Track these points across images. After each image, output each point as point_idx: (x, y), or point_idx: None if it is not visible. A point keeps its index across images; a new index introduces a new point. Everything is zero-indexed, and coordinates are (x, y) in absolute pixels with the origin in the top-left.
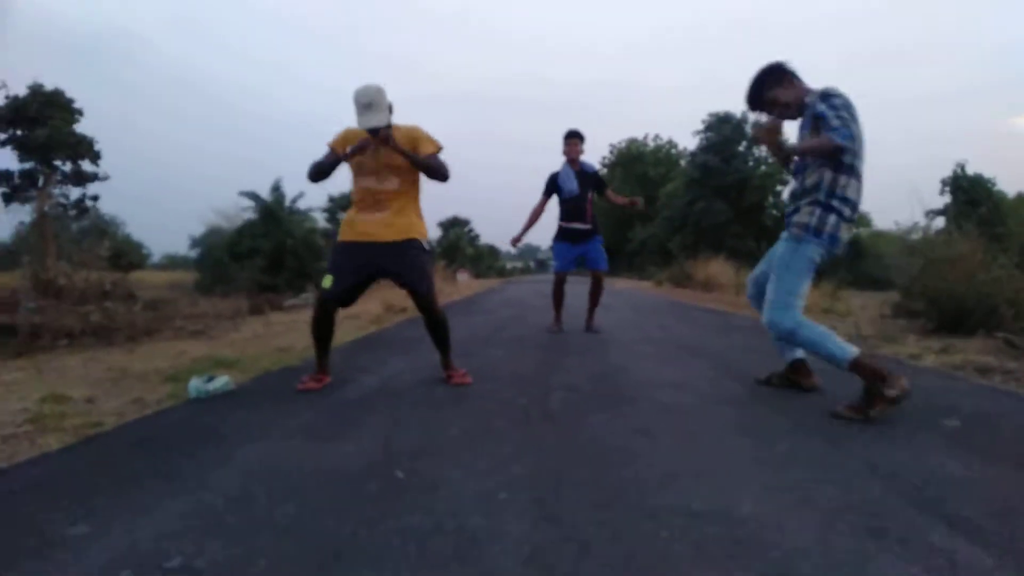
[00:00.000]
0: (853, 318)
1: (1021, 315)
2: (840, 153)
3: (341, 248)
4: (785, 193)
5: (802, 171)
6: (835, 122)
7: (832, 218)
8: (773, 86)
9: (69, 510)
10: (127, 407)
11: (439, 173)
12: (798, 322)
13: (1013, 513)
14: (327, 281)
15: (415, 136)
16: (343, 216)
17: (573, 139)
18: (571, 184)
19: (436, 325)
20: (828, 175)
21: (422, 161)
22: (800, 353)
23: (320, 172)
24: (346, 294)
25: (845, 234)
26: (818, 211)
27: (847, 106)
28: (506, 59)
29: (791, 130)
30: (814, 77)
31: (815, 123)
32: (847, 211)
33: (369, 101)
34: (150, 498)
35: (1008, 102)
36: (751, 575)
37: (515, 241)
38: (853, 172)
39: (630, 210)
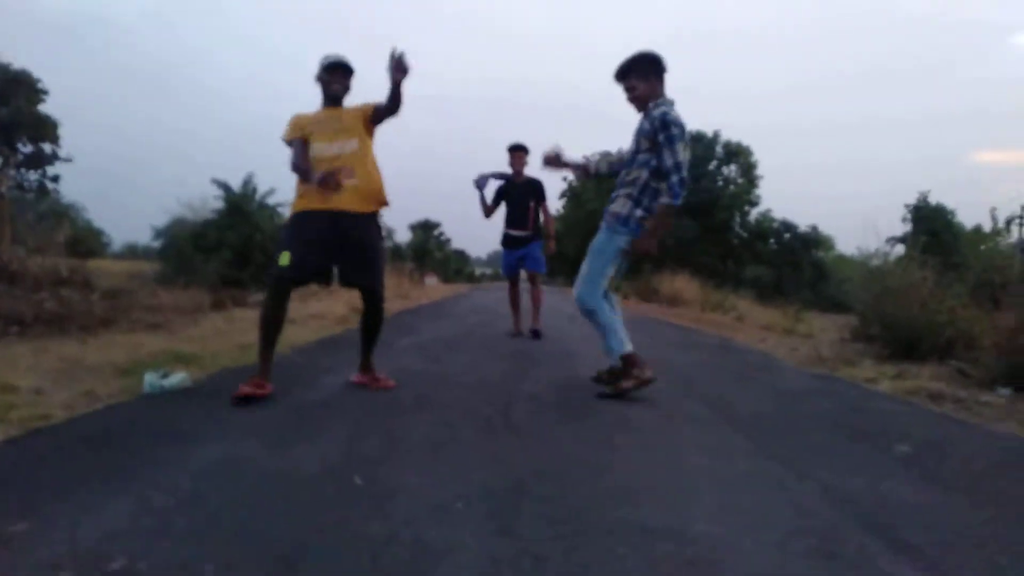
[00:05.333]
0: (814, 340)
1: (972, 344)
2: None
3: (299, 218)
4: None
5: (628, 165)
6: (670, 160)
7: (639, 211)
8: (638, 75)
9: (10, 506)
10: (77, 400)
11: (397, 104)
12: (600, 304)
13: (958, 540)
14: (284, 258)
15: (365, 107)
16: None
17: (518, 151)
18: (514, 192)
19: (379, 322)
20: (645, 175)
21: (385, 106)
22: (628, 348)
23: (302, 174)
24: (306, 272)
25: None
26: (630, 204)
27: (681, 136)
28: (486, 60)
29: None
30: (796, 94)
31: (653, 139)
32: (646, 203)
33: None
34: (96, 496)
35: (972, 136)
36: None
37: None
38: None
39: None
